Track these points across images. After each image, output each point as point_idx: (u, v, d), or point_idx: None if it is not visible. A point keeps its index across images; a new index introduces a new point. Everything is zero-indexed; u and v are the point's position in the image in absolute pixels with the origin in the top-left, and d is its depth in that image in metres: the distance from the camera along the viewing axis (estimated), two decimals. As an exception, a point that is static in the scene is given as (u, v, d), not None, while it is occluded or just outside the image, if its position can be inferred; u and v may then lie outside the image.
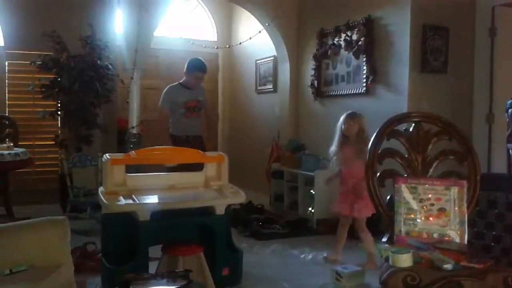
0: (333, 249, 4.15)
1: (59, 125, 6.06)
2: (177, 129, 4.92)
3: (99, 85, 5.51)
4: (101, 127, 5.78)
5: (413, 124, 2.52)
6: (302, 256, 4.27)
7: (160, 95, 5.06)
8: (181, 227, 3.42)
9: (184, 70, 5.02)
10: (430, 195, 2.25)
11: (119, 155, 3.61)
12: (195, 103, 4.97)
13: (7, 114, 5.93)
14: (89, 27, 5.55)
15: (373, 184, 2.38)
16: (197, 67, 4.99)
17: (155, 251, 3.29)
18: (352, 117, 4.00)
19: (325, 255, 4.17)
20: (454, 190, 2.24)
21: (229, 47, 7.42)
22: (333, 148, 4.08)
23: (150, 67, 6.27)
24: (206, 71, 5.12)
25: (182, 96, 4.93)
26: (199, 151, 3.79)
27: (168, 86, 5.08)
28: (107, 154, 3.47)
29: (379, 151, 2.44)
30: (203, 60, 5.15)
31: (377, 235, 3.73)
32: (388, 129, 2.50)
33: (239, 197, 3.54)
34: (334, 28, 5.43)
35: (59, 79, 5.52)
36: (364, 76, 4.99)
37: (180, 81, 5.08)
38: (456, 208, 2.23)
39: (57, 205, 5.57)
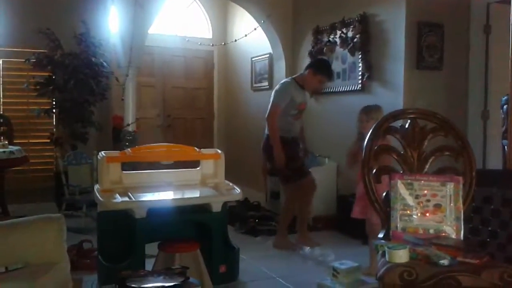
0: (329, 246, 4.16)
1: (54, 123, 6.04)
2: (286, 130, 4.39)
3: (94, 82, 5.49)
4: (96, 125, 5.76)
5: (409, 121, 2.53)
6: (299, 252, 4.28)
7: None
8: (178, 224, 3.42)
9: (308, 68, 4.53)
10: (426, 191, 2.25)
11: (115, 153, 3.60)
12: (305, 105, 4.61)
13: (1, 112, 5.90)
14: (83, 24, 5.53)
15: (369, 181, 2.39)
16: (328, 73, 4.54)
17: (151, 248, 3.29)
18: (367, 111, 3.70)
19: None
20: (450, 186, 2.25)
21: (224, 44, 7.41)
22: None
23: (145, 64, 6.25)
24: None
25: (299, 96, 4.44)
26: (195, 148, 3.78)
27: (285, 81, 4.58)
28: (102, 152, 3.46)
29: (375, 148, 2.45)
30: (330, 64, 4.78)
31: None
32: (384, 126, 2.50)
33: (235, 194, 3.54)
34: (329, 25, 5.43)
35: (53, 77, 5.50)
36: (360, 73, 4.99)
37: (294, 77, 4.63)
38: (452, 204, 2.24)
39: (53, 203, 5.56)
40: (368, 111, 3.69)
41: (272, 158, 4.37)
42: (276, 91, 4.47)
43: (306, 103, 4.63)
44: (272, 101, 4.40)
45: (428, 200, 2.25)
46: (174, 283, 2.18)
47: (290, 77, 4.71)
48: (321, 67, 4.50)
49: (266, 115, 4.40)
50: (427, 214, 2.24)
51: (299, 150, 4.59)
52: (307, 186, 4.52)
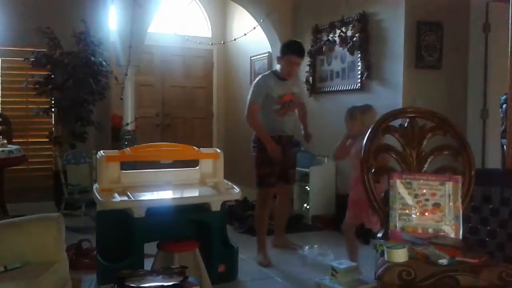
0: (327, 245, 4.16)
1: (53, 122, 6.03)
2: (269, 128, 4.06)
3: (93, 81, 5.48)
4: (95, 124, 5.75)
5: (408, 120, 2.53)
6: (298, 252, 4.28)
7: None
8: (177, 223, 3.41)
9: (278, 54, 4.23)
10: (425, 190, 2.26)
11: (114, 152, 3.60)
12: (291, 96, 4.12)
13: (0, 111, 5.89)
14: (82, 23, 5.52)
15: (368, 180, 2.39)
16: (294, 50, 4.08)
17: (150, 247, 3.29)
18: (351, 112, 3.49)
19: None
20: (449, 185, 2.25)
21: (223, 43, 7.41)
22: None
23: (144, 63, 6.25)
24: (304, 55, 4.26)
25: (277, 89, 4.06)
26: (194, 147, 3.77)
27: (260, 76, 4.26)
28: (101, 151, 3.46)
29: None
30: (300, 42, 4.36)
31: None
32: (383, 125, 2.50)
33: (234, 194, 3.53)
34: (328, 24, 5.43)
35: (52, 76, 5.49)
36: (359, 72, 4.99)
37: (273, 70, 4.35)
38: (451, 203, 2.24)
39: (52, 202, 5.55)
40: (352, 111, 3.48)
41: (260, 156, 4.06)
42: (251, 88, 4.18)
43: (293, 94, 4.13)
44: (248, 100, 4.08)
45: (427, 200, 2.25)
46: (173, 283, 2.18)
47: (269, 71, 4.52)
48: (285, 47, 4.15)
49: (245, 116, 4.09)
50: (426, 214, 2.24)
51: (286, 154, 4.11)
52: (263, 196, 4.12)
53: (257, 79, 4.22)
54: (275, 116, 4.06)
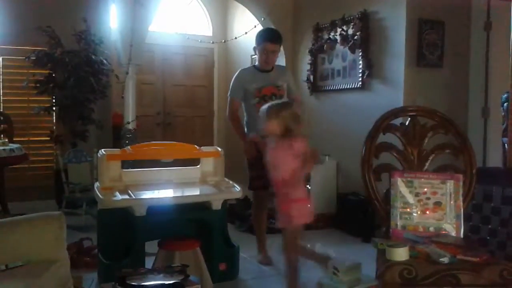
0: (328, 244, 4.15)
1: (54, 120, 6.03)
2: (251, 127, 3.79)
3: (94, 80, 5.48)
4: (96, 123, 5.75)
5: (409, 118, 2.53)
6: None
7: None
8: (178, 222, 3.41)
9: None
10: (426, 189, 2.26)
11: (115, 151, 3.60)
12: (273, 89, 3.76)
13: (1, 110, 5.89)
14: (83, 22, 5.52)
15: (369, 178, 2.39)
16: (266, 37, 3.80)
17: (151, 246, 3.29)
18: (268, 113, 2.83)
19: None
20: (450, 184, 2.25)
21: (224, 42, 7.40)
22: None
23: (145, 62, 6.24)
24: (279, 41, 3.84)
25: (255, 82, 3.77)
26: (195, 146, 3.76)
27: (239, 70, 4.00)
28: (102, 150, 3.45)
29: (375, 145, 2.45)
30: (275, 29, 4.13)
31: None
32: (384, 123, 2.50)
33: (235, 192, 3.53)
34: (329, 23, 5.42)
35: (53, 75, 5.49)
36: (360, 70, 4.98)
37: (255, 63, 4.05)
38: (452, 202, 2.24)
39: (53, 201, 5.56)
40: (267, 110, 2.83)
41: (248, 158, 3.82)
42: None
43: (277, 85, 3.79)
44: (228, 96, 3.89)
45: (428, 198, 2.25)
46: (174, 281, 2.18)
47: (251, 65, 4.34)
48: (258, 35, 3.86)
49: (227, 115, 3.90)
50: (427, 212, 2.24)
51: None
52: (255, 198, 3.99)
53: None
54: (255, 112, 3.53)
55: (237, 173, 4.17)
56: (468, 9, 4.70)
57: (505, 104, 3.68)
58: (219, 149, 3.84)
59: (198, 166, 3.82)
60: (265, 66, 3.86)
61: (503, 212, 2.50)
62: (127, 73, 5.49)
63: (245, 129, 3.93)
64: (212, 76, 7.74)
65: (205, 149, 3.83)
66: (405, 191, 2.26)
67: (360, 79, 4.98)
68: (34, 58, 5.43)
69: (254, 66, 4.02)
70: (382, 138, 2.53)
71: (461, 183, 2.26)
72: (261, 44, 3.80)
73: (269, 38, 3.81)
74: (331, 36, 5.43)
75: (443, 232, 2.21)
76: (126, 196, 3.18)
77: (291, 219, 2.77)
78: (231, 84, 3.92)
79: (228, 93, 3.93)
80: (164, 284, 2.17)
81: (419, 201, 2.25)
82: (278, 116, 2.77)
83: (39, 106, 5.62)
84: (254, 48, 3.94)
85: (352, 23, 5.07)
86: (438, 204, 2.23)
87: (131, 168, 3.83)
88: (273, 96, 3.73)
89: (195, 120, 7.62)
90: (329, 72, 5.55)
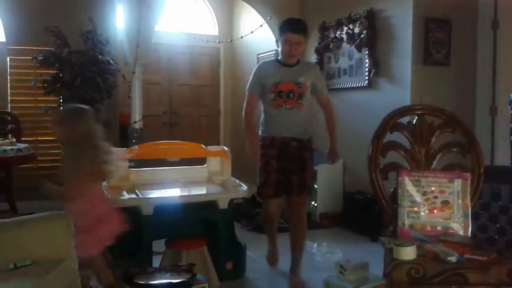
0: (336, 243, 4.15)
1: (62, 120, 6.04)
2: (264, 128, 3.50)
3: (100, 80, 5.49)
4: (103, 122, 5.75)
5: (416, 117, 2.52)
6: (306, 249, 4.27)
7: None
8: (185, 221, 3.42)
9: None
10: (433, 188, 2.25)
11: (122, 150, 3.61)
12: (291, 86, 3.37)
13: (9, 110, 5.93)
14: (90, 22, 5.54)
15: (376, 177, 2.39)
16: (289, 27, 3.38)
17: (158, 245, 3.30)
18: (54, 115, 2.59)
19: None
20: (458, 183, 2.24)
21: (230, 41, 7.40)
22: None
23: (151, 62, 6.26)
24: (303, 32, 3.43)
25: (272, 75, 3.40)
26: (201, 145, 3.76)
27: (260, 62, 3.70)
28: (110, 149, 3.46)
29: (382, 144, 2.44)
30: (300, 18, 3.78)
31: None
32: (391, 122, 2.50)
33: (242, 191, 3.54)
34: (336, 21, 5.41)
35: (60, 75, 5.51)
36: (367, 69, 4.97)
37: (278, 57, 3.62)
38: (459, 201, 2.23)
39: (61, 201, 5.57)
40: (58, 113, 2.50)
41: (260, 161, 3.50)
42: None
43: (298, 82, 3.38)
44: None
45: (436, 197, 2.24)
46: (181, 280, 2.19)
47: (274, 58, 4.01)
48: (281, 25, 3.48)
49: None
50: (435, 211, 2.23)
51: (284, 160, 3.39)
52: (263, 205, 3.64)
53: None
54: (271, 109, 3.40)
55: (244, 172, 4.17)
56: (475, 7, 4.67)
57: (513, 103, 3.66)
58: (226, 148, 3.85)
59: (204, 166, 3.82)
60: (287, 60, 3.43)
61: (511, 211, 2.49)
62: (133, 73, 5.51)
63: (260, 129, 3.55)
64: (218, 76, 7.75)
65: (211, 148, 3.84)
66: (412, 190, 2.25)
67: (367, 77, 4.97)
68: (41, 58, 5.44)
69: (277, 59, 3.61)
70: (389, 137, 2.52)
71: (468, 182, 2.25)
72: (283, 34, 3.39)
73: (291, 28, 3.38)
74: (337, 35, 5.41)
75: (451, 231, 2.20)
76: (134, 195, 3.20)
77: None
78: (250, 78, 3.59)
79: (246, 87, 3.61)
80: (171, 283, 2.18)
81: (426, 200, 2.24)
82: (62, 123, 2.56)
83: (46, 106, 5.64)
84: (277, 41, 3.65)
85: (358, 22, 5.06)
86: (445, 203, 2.23)
87: (138, 168, 3.84)
88: (290, 94, 3.36)
89: (201, 119, 7.64)
90: (336, 71, 5.54)
